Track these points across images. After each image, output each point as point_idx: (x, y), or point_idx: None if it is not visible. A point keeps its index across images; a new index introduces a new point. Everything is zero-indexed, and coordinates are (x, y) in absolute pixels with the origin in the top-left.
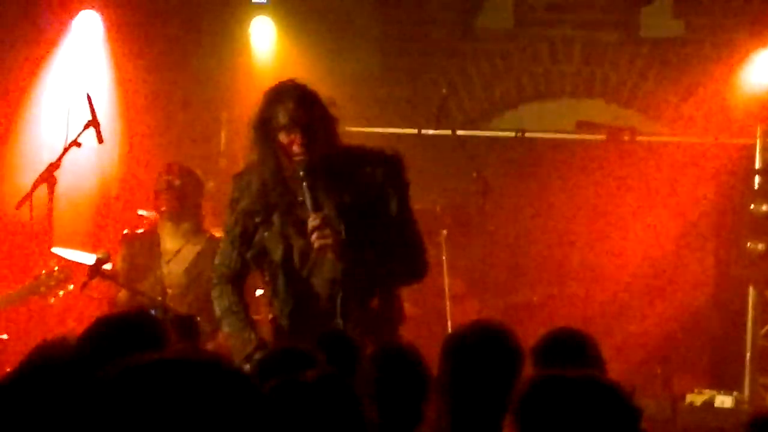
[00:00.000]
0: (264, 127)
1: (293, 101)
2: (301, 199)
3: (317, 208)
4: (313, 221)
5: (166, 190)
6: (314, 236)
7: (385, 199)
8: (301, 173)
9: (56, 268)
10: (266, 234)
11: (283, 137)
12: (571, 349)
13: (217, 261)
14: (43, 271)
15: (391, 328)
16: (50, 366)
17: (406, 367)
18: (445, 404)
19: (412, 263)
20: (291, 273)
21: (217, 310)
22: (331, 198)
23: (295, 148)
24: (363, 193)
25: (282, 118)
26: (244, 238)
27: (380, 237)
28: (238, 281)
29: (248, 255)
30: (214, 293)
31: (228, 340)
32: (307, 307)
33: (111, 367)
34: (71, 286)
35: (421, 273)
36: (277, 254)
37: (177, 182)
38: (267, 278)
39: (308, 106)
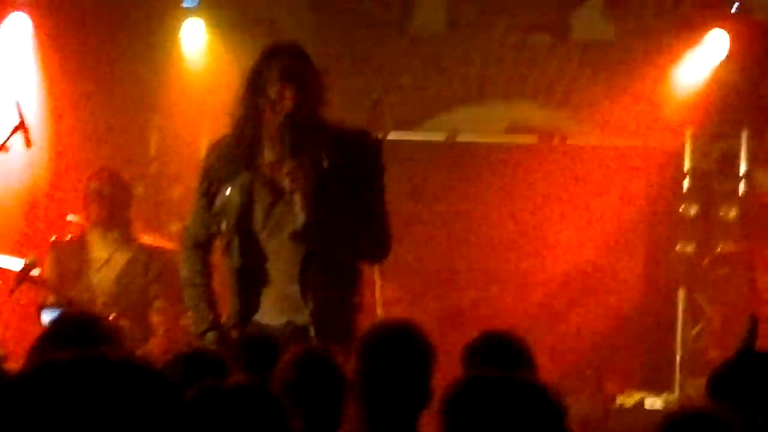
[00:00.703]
0: (256, 79)
1: (291, 57)
2: (270, 159)
3: (295, 156)
4: (290, 164)
5: (95, 199)
6: (288, 179)
7: (362, 176)
8: (286, 120)
9: None
10: (227, 192)
11: (273, 91)
12: (502, 351)
13: (186, 223)
14: None
15: (346, 313)
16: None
17: (325, 370)
18: (360, 406)
19: (377, 240)
20: (246, 230)
21: (181, 278)
22: (309, 157)
23: (286, 102)
24: (340, 164)
25: (277, 70)
26: (208, 197)
27: (350, 209)
28: (204, 246)
29: (212, 211)
30: (181, 258)
31: (187, 312)
32: (261, 269)
33: (26, 366)
34: None
35: (384, 254)
36: (235, 210)
37: (106, 190)
38: (224, 241)
39: (305, 64)
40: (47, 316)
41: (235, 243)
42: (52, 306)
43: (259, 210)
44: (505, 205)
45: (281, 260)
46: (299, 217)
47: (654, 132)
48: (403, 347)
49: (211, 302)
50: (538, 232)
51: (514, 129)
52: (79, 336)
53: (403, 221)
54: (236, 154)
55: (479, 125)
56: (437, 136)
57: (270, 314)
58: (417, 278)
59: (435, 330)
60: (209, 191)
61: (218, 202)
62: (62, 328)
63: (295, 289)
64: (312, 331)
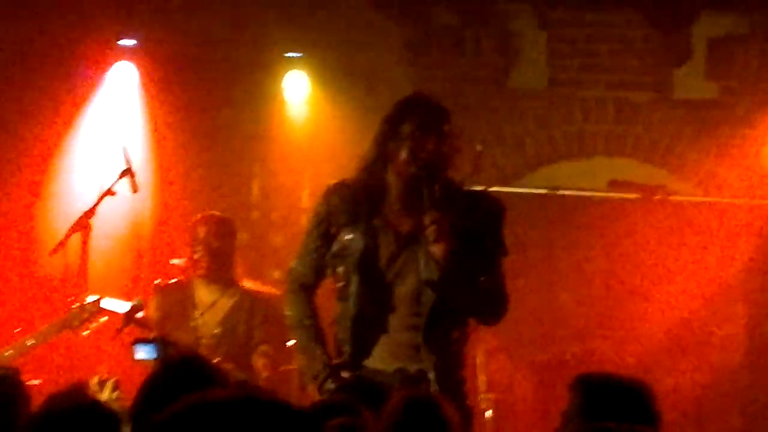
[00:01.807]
0: (393, 126)
1: (433, 109)
2: (396, 207)
3: (435, 208)
4: (432, 215)
5: (202, 249)
6: (431, 229)
7: (487, 238)
8: (426, 172)
9: (88, 301)
10: (349, 235)
11: (411, 140)
12: (627, 399)
13: (292, 265)
14: (75, 304)
15: (462, 366)
16: (65, 414)
17: (434, 418)
18: None
19: (498, 302)
20: (367, 276)
21: (288, 320)
22: (447, 211)
23: (427, 153)
24: (468, 224)
25: (418, 120)
26: (325, 238)
27: (477, 268)
28: (311, 288)
29: (327, 256)
30: (286, 300)
31: (296, 353)
32: (379, 316)
33: (173, 406)
34: (103, 319)
35: (501, 315)
36: (357, 254)
37: (214, 242)
38: (339, 284)
39: (445, 119)
40: (140, 350)
41: (354, 288)
42: (145, 341)
43: (383, 257)
44: (605, 260)
45: (403, 309)
46: (434, 267)
47: (756, 190)
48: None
49: (322, 343)
50: (640, 286)
51: (615, 184)
52: (189, 378)
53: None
54: (361, 198)
55: (580, 180)
56: (538, 190)
57: (382, 360)
58: (518, 330)
59: (535, 381)
60: (328, 233)
61: (337, 246)
62: (172, 370)
63: (416, 338)
64: (431, 381)
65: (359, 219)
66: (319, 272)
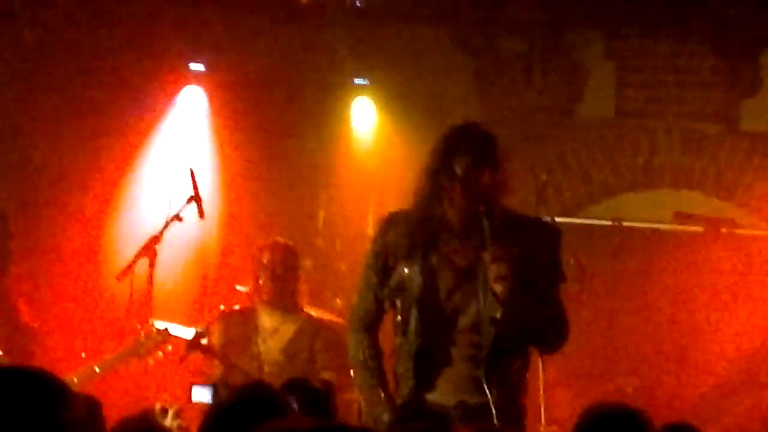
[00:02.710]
0: (446, 158)
1: (486, 140)
2: (453, 241)
3: (494, 242)
4: (494, 253)
5: (267, 275)
6: (494, 266)
7: (545, 265)
8: (484, 206)
9: (155, 330)
10: (407, 270)
11: (466, 173)
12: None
13: (354, 302)
14: (143, 333)
15: (523, 399)
16: None
17: None
18: None
19: (559, 330)
20: (427, 310)
21: (351, 359)
22: (507, 244)
23: (483, 186)
24: (526, 252)
25: (473, 153)
26: (383, 274)
27: (536, 298)
28: (373, 327)
29: (385, 292)
30: (350, 340)
31: (359, 392)
32: (439, 350)
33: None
34: (170, 347)
35: (563, 343)
36: (416, 289)
37: (279, 269)
38: (398, 318)
39: (498, 150)
40: (197, 393)
41: (414, 323)
42: (203, 384)
43: (442, 292)
44: (669, 292)
45: (463, 342)
46: (494, 302)
47: None
48: None
49: (385, 385)
50: (704, 321)
51: (680, 217)
52: (256, 406)
53: (568, 304)
54: (417, 232)
55: (646, 211)
56: (603, 221)
57: (442, 394)
58: (579, 361)
59: None
60: (386, 266)
61: (395, 280)
62: (240, 398)
63: (477, 370)
64: (493, 415)
65: (416, 253)
66: (380, 307)
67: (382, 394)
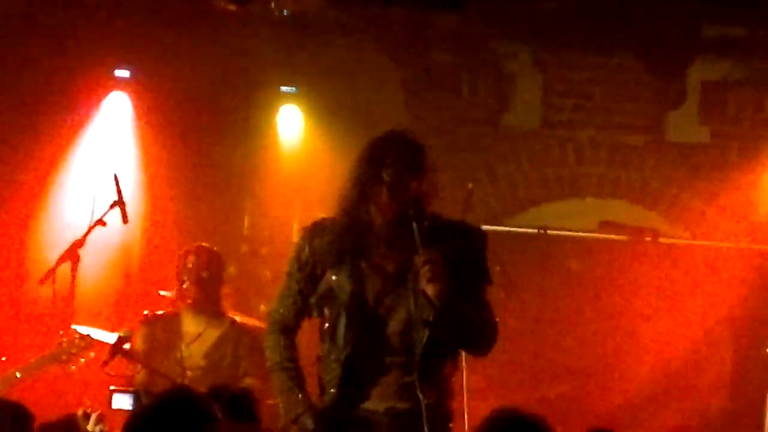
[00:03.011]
0: (374, 165)
1: (414, 147)
2: (381, 247)
3: (427, 246)
4: (426, 255)
5: (191, 280)
6: (425, 269)
7: (473, 268)
8: (413, 211)
9: (77, 336)
10: (334, 277)
11: (395, 179)
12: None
13: (273, 306)
14: (64, 339)
15: (451, 403)
16: None
17: None
18: None
19: (489, 332)
20: (356, 317)
21: (268, 362)
22: (437, 249)
23: (412, 192)
24: (454, 255)
25: (402, 159)
26: (309, 280)
27: (467, 301)
28: (290, 330)
29: (312, 299)
30: (267, 342)
31: (276, 395)
32: (368, 357)
33: None
34: (92, 354)
35: (492, 344)
36: (345, 295)
37: (203, 275)
38: (325, 325)
39: (426, 156)
40: (118, 399)
41: (342, 330)
42: (123, 391)
43: (370, 298)
44: (594, 301)
45: (393, 348)
46: (425, 305)
47: (746, 235)
48: None
49: (303, 386)
50: (626, 329)
51: (606, 226)
52: (182, 412)
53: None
54: (345, 239)
55: (571, 220)
56: (528, 230)
57: (371, 400)
58: (503, 369)
59: None
60: (313, 274)
61: (322, 287)
62: (166, 403)
63: (407, 376)
64: (423, 419)
65: (344, 260)
66: (300, 315)
67: (300, 396)
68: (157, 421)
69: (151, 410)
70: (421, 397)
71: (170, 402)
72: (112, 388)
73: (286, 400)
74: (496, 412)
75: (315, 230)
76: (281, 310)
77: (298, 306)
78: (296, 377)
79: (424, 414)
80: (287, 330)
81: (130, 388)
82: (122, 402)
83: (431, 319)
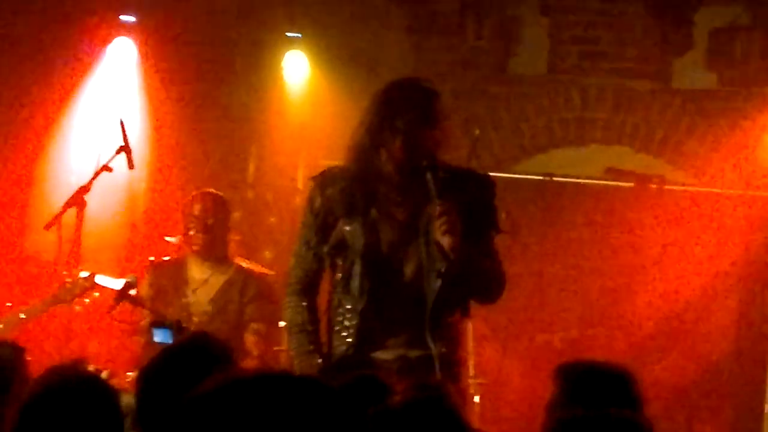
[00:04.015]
0: (388, 114)
1: (431, 97)
2: (394, 196)
3: (442, 197)
4: (441, 206)
5: (197, 227)
6: (440, 221)
7: (484, 217)
8: (425, 163)
9: (81, 276)
10: (347, 227)
11: (410, 130)
12: (608, 385)
13: (292, 264)
14: (68, 279)
15: (464, 352)
16: (63, 387)
17: (444, 411)
18: None
19: (497, 281)
20: (371, 267)
21: (288, 322)
22: (450, 199)
23: (428, 144)
24: (466, 205)
25: (418, 110)
26: (322, 232)
27: (478, 250)
28: (312, 289)
29: (324, 249)
30: (288, 303)
31: (293, 356)
32: (382, 306)
33: (200, 385)
34: (96, 294)
35: (501, 293)
36: (359, 245)
37: (210, 222)
38: (338, 275)
39: (441, 106)
40: (158, 334)
41: (357, 281)
42: (161, 324)
43: (384, 247)
44: (599, 247)
45: (406, 297)
46: (437, 255)
47: (753, 181)
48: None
49: (321, 351)
50: (632, 275)
51: (611, 173)
52: (197, 357)
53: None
54: (357, 189)
55: (577, 167)
56: (534, 176)
57: (383, 349)
58: (508, 316)
59: (524, 368)
60: (325, 224)
61: (335, 238)
62: (180, 350)
63: (419, 324)
64: (435, 367)
65: (357, 210)
66: (321, 270)
67: (320, 360)
68: (176, 366)
69: (170, 355)
70: (432, 345)
71: (198, 345)
72: (152, 322)
73: (306, 363)
74: (570, 365)
75: (326, 179)
76: (302, 266)
77: (317, 260)
78: (316, 342)
79: (437, 362)
80: (308, 288)
81: (167, 321)
82: (163, 336)
83: (444, 270)
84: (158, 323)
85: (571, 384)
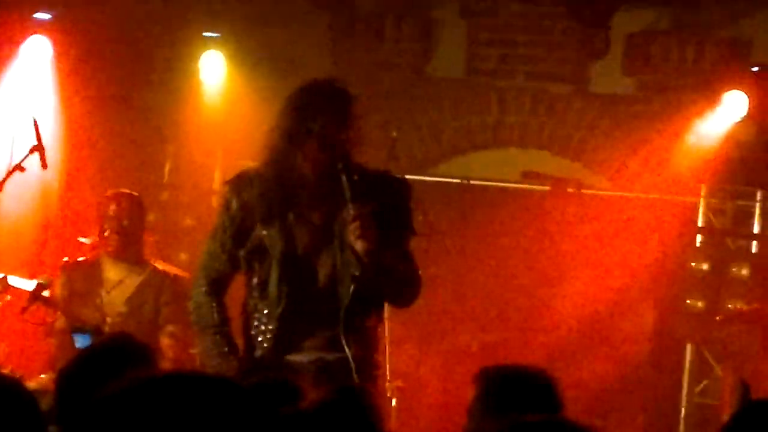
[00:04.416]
0: (303, 115)
1: (345, 98)
2: (310, 199)
3: (357, 201)
4: (355, 210)
5: (112, 227)
6: (354, 225)
7: (399, 219)
8: (340, 165)
9: None
10: (265, 232)
11: (326, 131)
12: (527, 389)
13: (202, 264)
14: None
15: (378, 353)
16: None
17: (363, 411)
18: None
19: (412, 284)
20: (288, 271)
21: (199, 323)
22: (364, 202)
23: (343, 145)
24: (380, 207)
25: (334, 111)
26: (239, 236)
27: (392, 253)
28: (222, 290)
29: (241, 253)
30: (197, 302)
31: (205, 358)
32: (299, 309)
33: (112, 385)
34: (8, 297)
35: (416, 296)
36: (277, 250)
37: (125, 222)
38: (255, 279)
39: (355, 107)
40: (79, 339)
41: (275, 285)
42: (81, 330)
43: (299, 250)
44: (516, 251)
45: (321, 300)
46: (351, 258)
47: (669, 186)
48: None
49: (235, 349)
50: (549, 278)
51: (528, 176)
52: (116, 357)
53: (416, 260)
54: (274, 192)
55: (494, 170)
56: (452, 179)
57: (300, 352)
58: (425, 318)
59: (441, 371)
60: (242, 228)
61: (252, 242)
62: (101, 349)
63: (334, 327)
64: (352, 370)
65: (274, 215)
66: (233, 271)
67: (235, 362)
68: (96, 365)
69: (99, 351)
70: (347, 348)
71: (118, 344)
72: (71, 327)
73: (222, 364)
74: (491, 370)
75: (242, 183)
76: (214, 266)
77: (230, 262)
78: (230, 342)
79: (353, 365)
80: (219, 289)
81: (87, 327)
82: (84, 341)
83: (358, 274)
84: (78, 329)
85: (492, 388)
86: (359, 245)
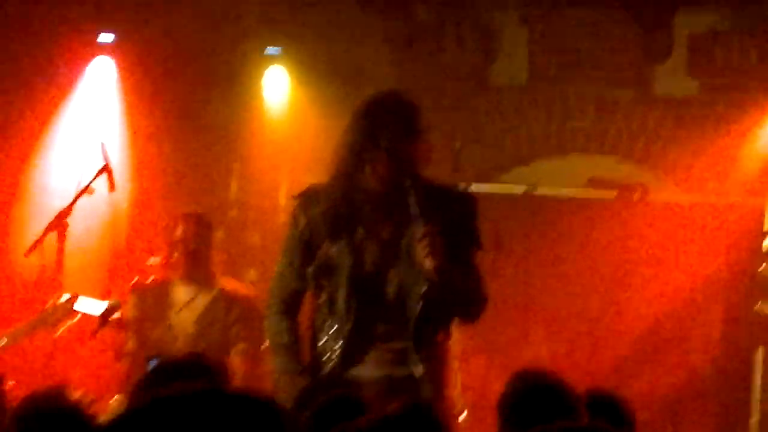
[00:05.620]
0: (372, 130)
1: (414, 113)
2: (377, 215)
3: (425, 218)
4: (424, 228)
5: (180, 249)
6: (423, 244)
7: (466, 235)
8: (408, 183)
9: (62, 300)
10: (333, 248)
11: (395, 147)
12: (605, 407)
13: (274, 284)
14: (50, 302)
15: (448, 370)
16: (44, 414)
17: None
18: None
19: (478, 300)
20: (357, 287)
21: (272, 342)
22: (433, 219)
23: (414, 161)
24: (447, 223)
25: (404, 126)
26: (307, 253)
27: (459, 270)
28: (294, 308)
29: (309, 270)
30: (270, 323)
31: (277, 377)
32: (367, 326)
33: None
34: (77, 318)
35: (482, 312)
36: (345, 266)
37: (192, 246)
38: (323, 296)
39: (420, 120)
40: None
41: (343, 302)
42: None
43: (368, 266)
44: (583, 259)
45: (389, 316)
46: (419, 274)
47: (735, 190)
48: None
49: (306, 369)
50: (616, 286)
51: (594, 183)
52: (182, 374)
53: (483, 272)
54: (341, 208)
55: (559, 179)
56: (516, 189)
57: (368, 369)
58: (494, 330)
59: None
60: (310, 245)
61: (320, 259)
62: (173, 368)
63: (403, 344)
64: (423, 387)
65: (342, 231)
66: (303, 290)
67: (305, 383)
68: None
69: (162, 373)
70: (416, 365)
71: (182, 364)
72: (148, 357)
73: (291, 382)
74: (517, 376)
75: (309, 198)
76: (285, 286)
77: (300, 280)
78: (300, 361)
79: (421, 383)
80: (291, 308)
81: (162, 353)
82: None
83: (426, 291)
84: (154, 357)
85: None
86: (428, 263)
